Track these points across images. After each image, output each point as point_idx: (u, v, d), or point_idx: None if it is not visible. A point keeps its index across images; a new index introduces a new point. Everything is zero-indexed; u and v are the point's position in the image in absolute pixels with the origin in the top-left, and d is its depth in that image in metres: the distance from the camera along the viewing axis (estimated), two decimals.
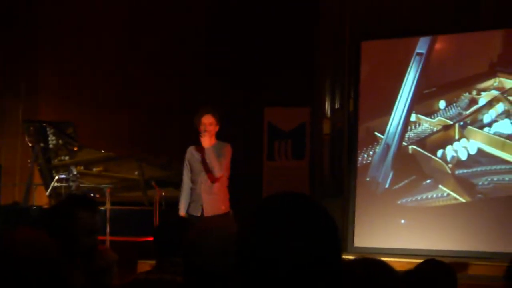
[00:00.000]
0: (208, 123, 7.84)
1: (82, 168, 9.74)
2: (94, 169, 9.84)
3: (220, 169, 7.86)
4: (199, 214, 7.80)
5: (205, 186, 7.91)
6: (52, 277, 2.23)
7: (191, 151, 8.05)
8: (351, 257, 2.62)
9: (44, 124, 9.82)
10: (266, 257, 1.62)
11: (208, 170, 7.90)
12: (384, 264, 2.48)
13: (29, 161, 9.94)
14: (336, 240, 1.69)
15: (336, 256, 1.68)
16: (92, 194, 9.17)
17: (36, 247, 2.25)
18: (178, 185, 8.35)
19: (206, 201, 7.85)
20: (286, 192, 1.74)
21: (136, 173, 9.62)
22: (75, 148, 9.81)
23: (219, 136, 8.08)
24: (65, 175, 9.11)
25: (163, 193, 9.07)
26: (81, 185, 9.10)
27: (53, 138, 9.77)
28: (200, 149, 7.98)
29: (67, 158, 9.85)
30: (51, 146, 9.78)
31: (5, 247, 2.24)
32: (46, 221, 3.88)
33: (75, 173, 9.06)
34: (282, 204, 1.71)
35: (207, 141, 7.86)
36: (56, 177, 9.25)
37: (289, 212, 1.68)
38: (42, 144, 9.72)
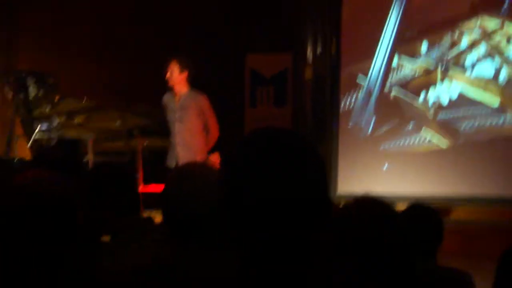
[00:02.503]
0: (170, 70, 7.74)
1: (64, 118, 9.67)
2: (76, 120, 9.77)
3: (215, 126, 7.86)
4: (173, 166, 7.71)
5: (179, 138, 7.83)
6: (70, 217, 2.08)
7: (164, 99, 7.98)
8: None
9: (24, 74, 9.71)
10: (253, 194, 1.57)
11: (180, 120, 7.84)
12: (383, 202, 2.45)
13: (9, 112, 9.86)
14: (324, 175, 1.64)
15: (324, 191, 1.63)
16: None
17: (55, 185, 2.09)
18: (161, 134, 8.31)
19: (181, 152, 7.75)
20: (271, 127, 1.67)
21: (117, 122, 9.56)
22: (56, 99, 9.72)
23: (201, 83, 8.02)
24: (47, 126, 9.05)
25: (146, 143, 9.02)
26: (63, 136, 9.05)
27: (34, 88, 9.68)
28: (174, 97, 7.88)
29: (48, 108, 9.77)
30: (31, 97, 9.69)
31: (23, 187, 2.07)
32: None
33: (57, 123, 9.00)
34: (268, 138, 1.63)
35: (175, 88, 7.78)
36: (38, 128, 9.18)
37: (275, 145, 1.61)
38: (22, 95, 9.62)
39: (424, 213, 3.80)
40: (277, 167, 1.57)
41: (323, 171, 1.64)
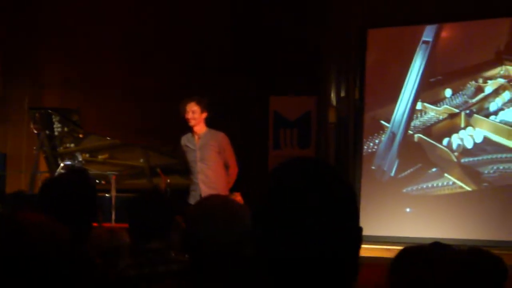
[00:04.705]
0: (191, 110, 7.81)
1: (87, 155, 9.73)
2: (100, 157, 9.82)
3: (234, 162, 7.90)
4: None
5: (202, 176, 7.89)
6: (65, 263, 1.90)
7: (183, 140, 8.04)
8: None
9: (49, 111, 9.81)
10: (286, 223, 1.54)
11: (202, 159, 7.88)
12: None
13: (34, 148, 9.94)
14: (355, 208, 1.62)
15: (355, 223, 1.61)
16: (97, 181, 9.18)
17: (48, 231, 1.92)
18: (183, 172, 8.34)
19: (205, 190, 7.75)
20: (300, 157, 1.67)
21: (141, 160, 9.61)
22: (81, 135, 9.79)
23: (226, 124, 8.07)
24: (70, 162, 9.11)
25: (168, 180, 9.06)
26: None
27: (59, 125, 9.76)
28: (193, 137, 7.95)
29: (72, 145, 9.85)
30: (56, 133, 9.77)
31: (14, 232, 1.87)
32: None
33: (80, 160, 9.06)
34: (301, 169, 1.62)
35: (196, 129, 7.85)
36: (62, 164, 9.25)
37: (308, 176, 1.59)
38: (47, 131, 9.71)
39: (486, 259, 3.54)
40: (312, 194, 1.56)
41: (355, 198, 1.63)
